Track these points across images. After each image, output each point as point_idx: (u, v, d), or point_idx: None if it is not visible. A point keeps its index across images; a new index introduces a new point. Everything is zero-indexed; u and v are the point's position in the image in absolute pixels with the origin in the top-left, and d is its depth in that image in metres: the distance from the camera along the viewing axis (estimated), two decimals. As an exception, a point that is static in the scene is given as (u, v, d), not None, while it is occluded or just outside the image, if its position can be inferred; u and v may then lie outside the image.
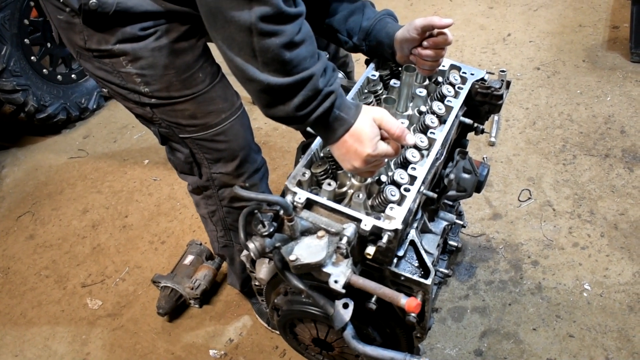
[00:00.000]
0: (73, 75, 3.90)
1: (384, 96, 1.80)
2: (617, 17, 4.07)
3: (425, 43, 1.77)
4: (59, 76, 3.80)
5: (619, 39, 3.86)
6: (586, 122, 3.28)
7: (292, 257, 1.49)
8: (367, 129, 1.47)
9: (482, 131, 2.04)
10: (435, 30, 1.74)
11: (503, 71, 1.93)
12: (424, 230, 1.93)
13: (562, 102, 3.44)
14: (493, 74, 1.94)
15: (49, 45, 3.73)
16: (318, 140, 1.71)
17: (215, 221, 2.21)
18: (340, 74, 2.17)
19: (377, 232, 1.49)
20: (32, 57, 3.60)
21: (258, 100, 1.45)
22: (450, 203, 2.21)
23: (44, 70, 3.69)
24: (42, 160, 3.68)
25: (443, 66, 1.91)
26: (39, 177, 3.54)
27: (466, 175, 2.05)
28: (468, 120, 1.90)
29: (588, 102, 3.42)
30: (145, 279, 2.83)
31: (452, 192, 2.04)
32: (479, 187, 2.11)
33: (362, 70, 1.96)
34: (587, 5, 4.23)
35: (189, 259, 2.71)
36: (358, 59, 2.46)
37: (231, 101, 1.87)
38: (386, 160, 1.56)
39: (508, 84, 1.94)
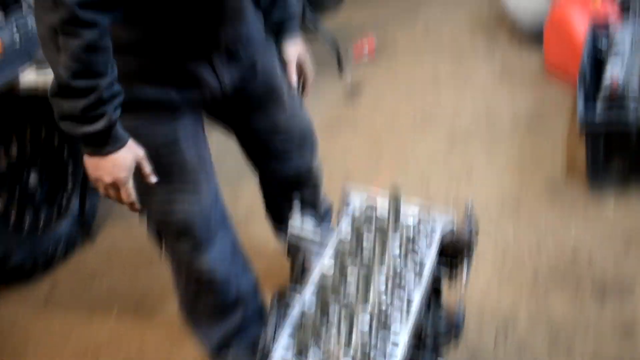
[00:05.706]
0: (40, 224, 3.85)
1: None
2: (573, 150, 4.22)
3: None
4: (25, 225, 3.75)
5: (577, 171, 3.99)
6: (554, 255, 3.33)
7: None
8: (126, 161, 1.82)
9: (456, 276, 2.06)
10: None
11: (469, 206, 1.98)
12: (402, 384, 1.89)
13: (528, 236, 3.50)
14: (459, 208, 1.98)
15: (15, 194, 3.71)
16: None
17: None
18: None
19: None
20: (-2, 208, 3.57)
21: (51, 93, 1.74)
22: (428, 351, 2.18)
23: (10, 219, 3.64)
24: (5, 312, 3.55)
25: (411, 218, 1.95)
26: (2, 331, 3.41)
27: (442, 323, 2.05)
28: (442, 272, 1.93)
29: (553, 234, 3.48)
30: None
31: (428, 342, 2.02)
32: (456, 334, 2.10)
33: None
34: (544, 139, 4.41)
35: (159, 418, 2.59)
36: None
37: None
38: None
39: (477, 232, 1.99)
